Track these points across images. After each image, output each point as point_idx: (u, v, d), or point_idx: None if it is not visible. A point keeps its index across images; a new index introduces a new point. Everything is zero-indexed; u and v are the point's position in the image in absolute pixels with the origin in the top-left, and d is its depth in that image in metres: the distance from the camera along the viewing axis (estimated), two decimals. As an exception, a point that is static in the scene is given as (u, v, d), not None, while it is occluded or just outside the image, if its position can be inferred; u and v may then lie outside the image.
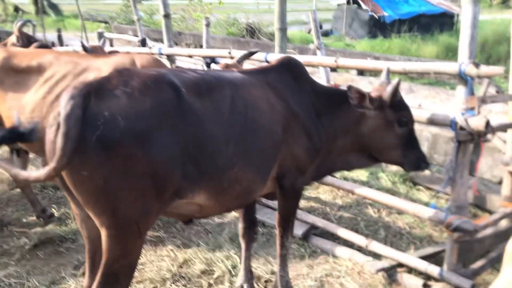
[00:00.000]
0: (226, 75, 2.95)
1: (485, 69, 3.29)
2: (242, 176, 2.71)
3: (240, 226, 3.58)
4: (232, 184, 2.68)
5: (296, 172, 3.11)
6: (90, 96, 2.23)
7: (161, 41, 10.58)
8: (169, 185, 2.41)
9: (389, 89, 3.10)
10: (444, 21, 24.88)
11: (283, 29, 5.38)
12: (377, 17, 24.33)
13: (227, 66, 4.22)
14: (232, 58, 5.13)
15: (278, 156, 2.96)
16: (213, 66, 5.65)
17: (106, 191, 2.23)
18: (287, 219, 3.31)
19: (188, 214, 2.79)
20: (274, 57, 5.06)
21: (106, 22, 25.20)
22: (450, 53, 18.53)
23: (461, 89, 3.45)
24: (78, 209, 2.53)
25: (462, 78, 3.40)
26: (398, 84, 3.09)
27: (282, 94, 3.06)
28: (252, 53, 4.57)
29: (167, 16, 6.92)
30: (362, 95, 3.07)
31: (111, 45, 10.49)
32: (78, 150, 2.14)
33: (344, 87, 3.34)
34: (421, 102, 5.27)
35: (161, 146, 2.32)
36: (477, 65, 3.31)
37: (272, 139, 2.88)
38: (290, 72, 3.21)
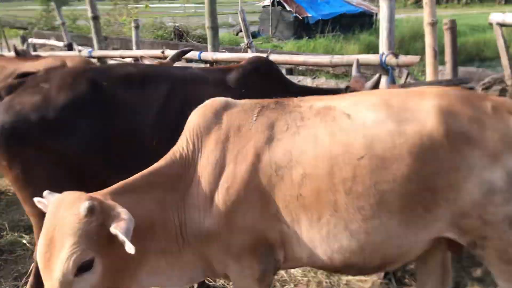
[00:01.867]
0: (172, 71, 2.91)
1: (403, 59, 3.62)
2: None
3: None
4: None
5: None
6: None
7: (87, 46, 10.32)
8: (88, 172, 2.49)
9: (370, 84, 2.94)
10: (363, 21, 25.96)
11: (214, 28, 5.49)
12: (301, 18, 24.97)
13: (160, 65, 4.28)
14: (165, 57, 5.18)
15: None
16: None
17: (24, 180, 2.36)
18: None
19: None
20: (208, 55, 5.18)
21: (25, 29, 24.03)
22: (371, 51, 19.43)
23: (383, 79, 3.75)
24: None
25: (384, 68, 3.70)
26: (379, 79, 2.94)
27: (240, 94, 2.71)
28: (185, 52, 4.66)
29: (95, 18, 6.77)
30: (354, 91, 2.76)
31: (35, 50, 10.09)
32: None
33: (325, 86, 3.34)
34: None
35: (76, 136, 2.44)
36: (396, 55, 3.63)
37: None
38: (258, 72, 3.05)
